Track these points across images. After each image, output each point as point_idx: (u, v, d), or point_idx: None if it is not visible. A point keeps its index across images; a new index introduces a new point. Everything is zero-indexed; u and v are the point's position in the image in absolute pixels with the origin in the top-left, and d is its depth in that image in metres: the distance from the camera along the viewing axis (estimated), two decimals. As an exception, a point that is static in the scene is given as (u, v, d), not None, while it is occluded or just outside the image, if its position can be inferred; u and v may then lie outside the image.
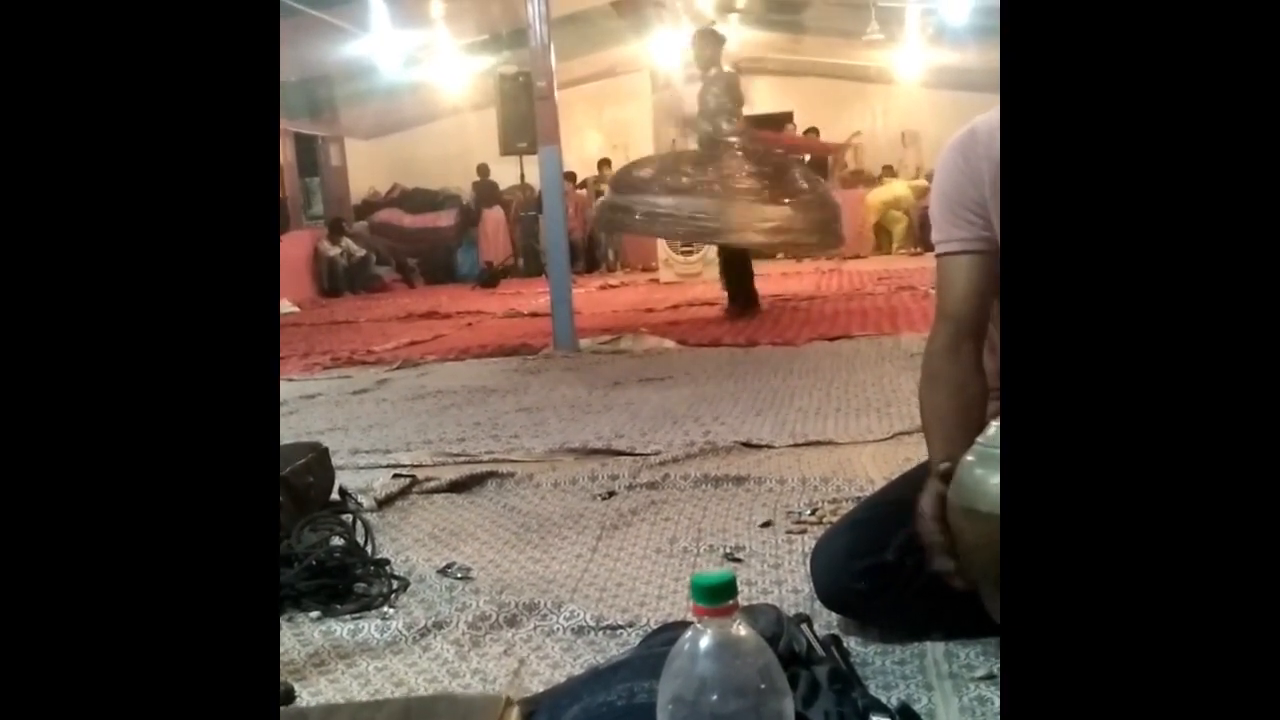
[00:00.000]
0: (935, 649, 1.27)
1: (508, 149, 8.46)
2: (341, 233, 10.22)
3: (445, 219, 11.22)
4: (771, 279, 8.11)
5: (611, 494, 2.17)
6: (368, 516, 2.00)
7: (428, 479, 2.35)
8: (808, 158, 11.03)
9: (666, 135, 10.75)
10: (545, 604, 1.50)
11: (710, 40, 5.61)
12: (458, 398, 3.59)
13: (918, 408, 1.36)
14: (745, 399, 3.22)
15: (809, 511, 1.92)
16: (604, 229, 6.33)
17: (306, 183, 11.32)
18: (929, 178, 10.67)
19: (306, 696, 1.27)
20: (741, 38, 11.21)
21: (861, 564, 1.30)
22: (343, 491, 2.15)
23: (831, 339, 4.49)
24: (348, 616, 1.52)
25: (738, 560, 1.70)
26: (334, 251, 10.03)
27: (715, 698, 0.69)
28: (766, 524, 1.87)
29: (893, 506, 1.31)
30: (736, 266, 5.77)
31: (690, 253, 8.35)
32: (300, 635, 1.46)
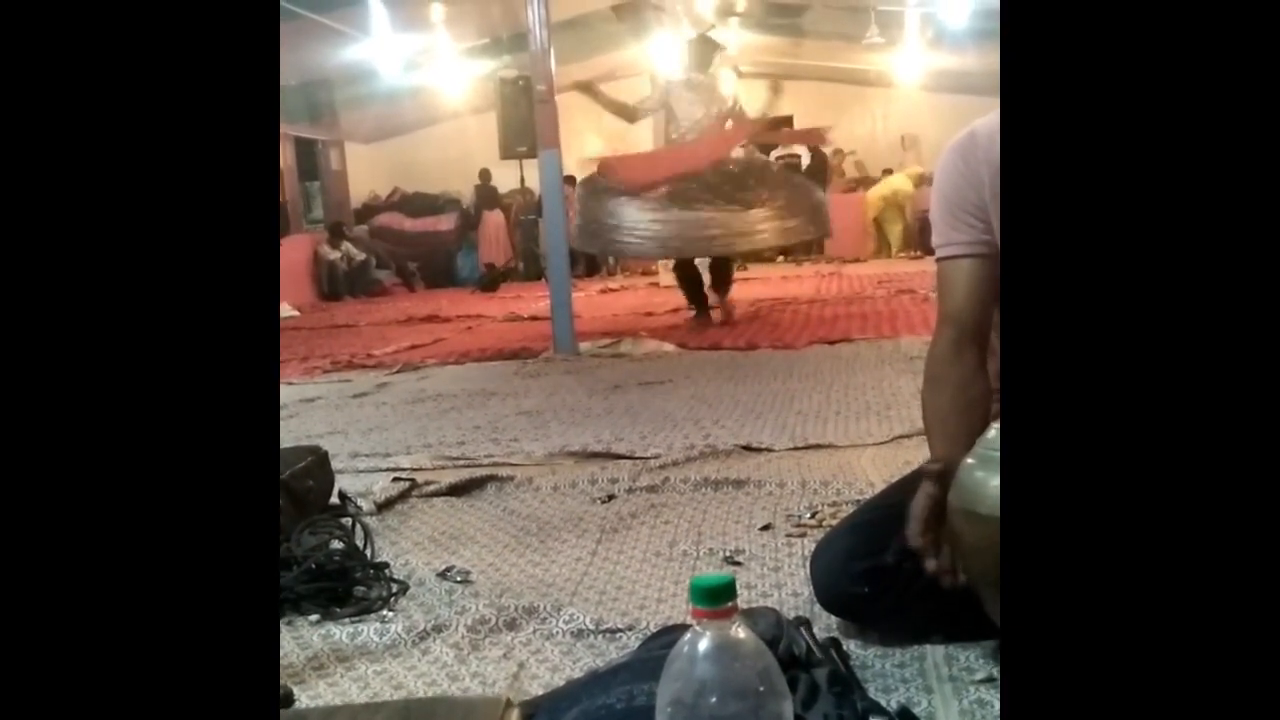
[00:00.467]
0: (935, 652, 1.26)
1: (508, 153, 8.48)
2: (342, 236, 10.22)
3: (445, 223, 11.23)
4: (771, 282, 8.12)
5: (611, 497, 2.17)
6: (367, 520, 2.00)
7: (427, 482, 2.35)
8: (801, 153, 11.07)
9: (663, 138, 10.75)
10: (545, 607, 1.49)
11: (705, 46, 5.59)
12: (457, 401, 3.59)
13: (918, 411, 1.37)
14: (745, 402, 3.22)
15: (809, 515, 1.92)
16: (586, 248, 6.24)
17: (306, 186, 11.32)
18: (928, 179, 10.68)
19: (305, 700, 1.27)
20: (741, 42, 11.24)
21: (861, 567, 1.30)
22: (342, 495, 2.15)
23: (831, 342, 4.49)
24: (347, 620, 1.52)
25: (737, 563, 1.70)
26: (334, 255, 10.03)
27: (714, 700, 0.69)
28: (766, 527, 1.87)
29: (892, 509, 1.30)
30: (690, 275, 5.71)
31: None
32: (299, 638, 1.46)
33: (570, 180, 6.16)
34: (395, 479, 2.37)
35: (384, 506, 2.17)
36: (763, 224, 5.24)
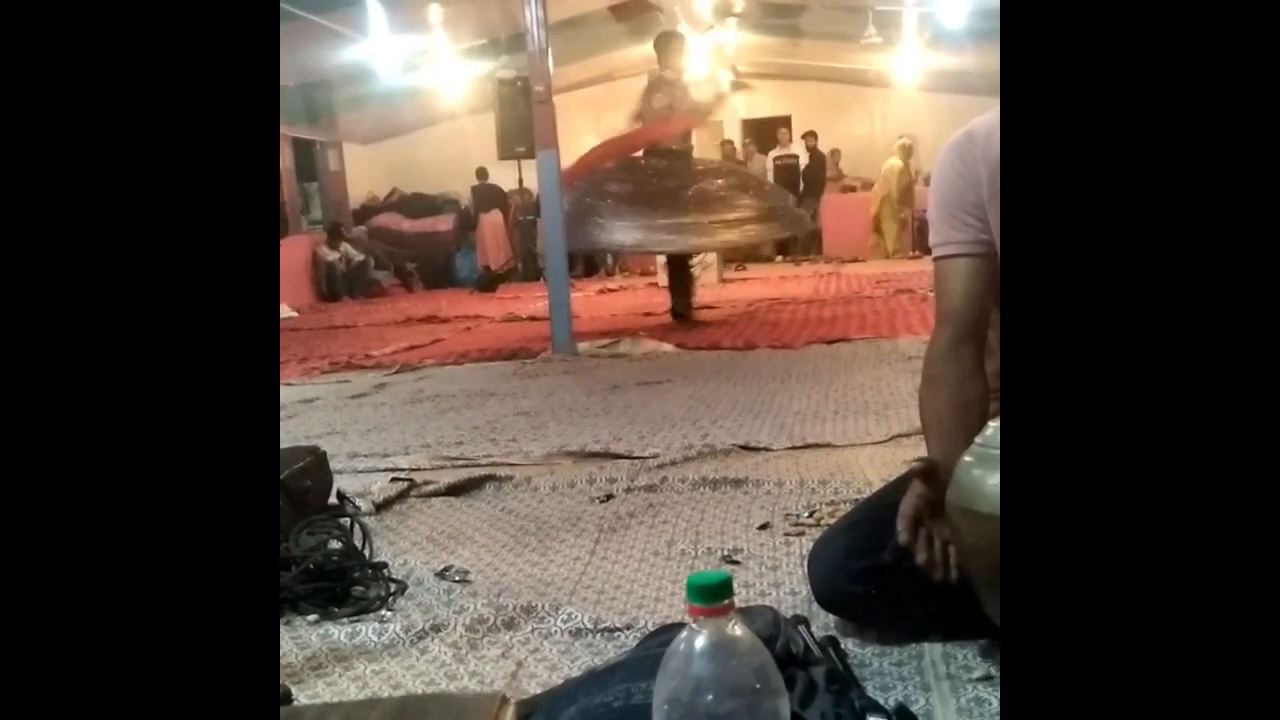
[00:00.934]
0: (933, 650, 1.27)
1: (506, 153, 8.46)
2: (340, 237, 10.22)
3: (444, 223, 11.22)
4: (770, 282, 8.13)
5: (609, 497, 2.17)
6: (366, 520, 2.00)
7: (426, 482, 2.35)
8: (799, 154, 11.05)
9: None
10: (543, 607, 1.50)
11: (672, 42, 5.59)
12: (456, 401, 3.59)
13: (916, 410, 1.37)
14: (743, 402, 3.22)
15: (807, 514, 1.92)
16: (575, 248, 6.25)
17: (305, 187, 11.32)
18: (927, 180, 10.66)
19: (304, 700, 1.27)
20: (739, 42, 11.24)
21: (859, 565, 1.30)
22: (341, 495, 2.15)
23: (830, 342, 4.49)
24: (345, 620, 1.52)
25: (736, 562, 1.70)
26: (332, 256, 10.03)
27: (710, 697, 0.69)
28: (764, 526, 1.88)
29: (890, 509, 1.31)
30: (681, 276, 5.73)
31: (689, 256, 8.33)
32: (298, 638, 1.46)
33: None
34: (394, 479, 2.37)
35: (382, 506, 2.17)
36: (726, 225, 5.26)
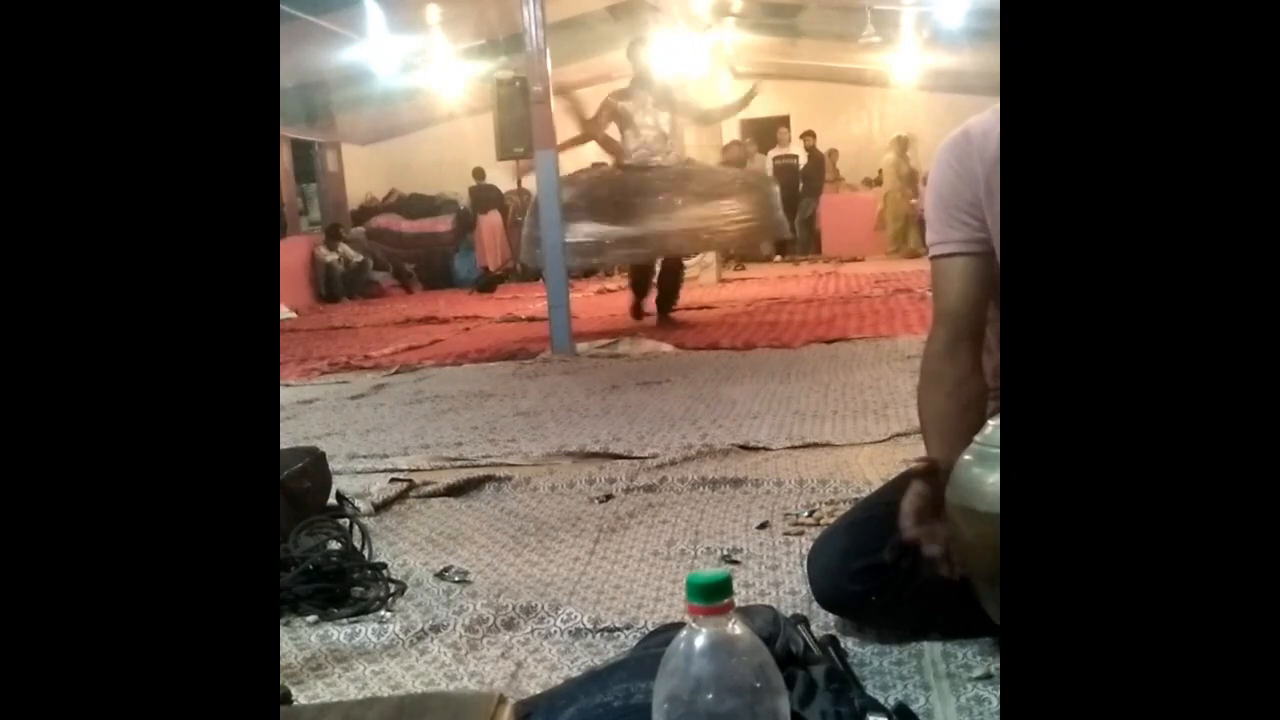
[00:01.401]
0: (933, 649, 1.27)
1: (504, 154, 8.46)
2: (339, 238, 10.22)
3: (442, 224, 11.22)
4: (768, 282, 8.13)
5: (609, 497, 2.17)
6: (365, 521, 2.00)
7: (425, 483, 2.35)
8: (798, 154, 11.04)
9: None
10: (542, 607, 1.50)
11: (646, 48, 5.58)
12: (455, 402, 3.59)
13: (915, 410, 1.37)
14: (742, 401, 3.22)
15: (806, 513, 1.92)
16: (533, 262, 6.19)
17: (304, 188, 11.32)
18: (925, 181, 10.61)
19: (303, 700, 1.27)
20: (738, 42, 11.24)
21: (858, 565, 1.30)
22: (340, 496, 2.15)
23: (829, 341, 4.49)
24: (345, 620, 1.52)
25: (735, 562, 1.70)
26: (331, 257, 10.03)
27: (710, 696, 0.69)
28: (764, 526, 1.88)
29: (889, 508, 1.31)
30: (647, 277, 5.68)
31: (687, 256, 8.34)
32: (297, 639, 1.46)
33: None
34: (393, 480, 2.37)
35: (382, 507, 2.17)
36: (704, 227, 5.27)
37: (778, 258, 11.00)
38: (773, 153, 11.38)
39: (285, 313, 8.13)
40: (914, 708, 1.13)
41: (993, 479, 1.03)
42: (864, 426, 2.74)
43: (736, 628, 0.71)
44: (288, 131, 9.97)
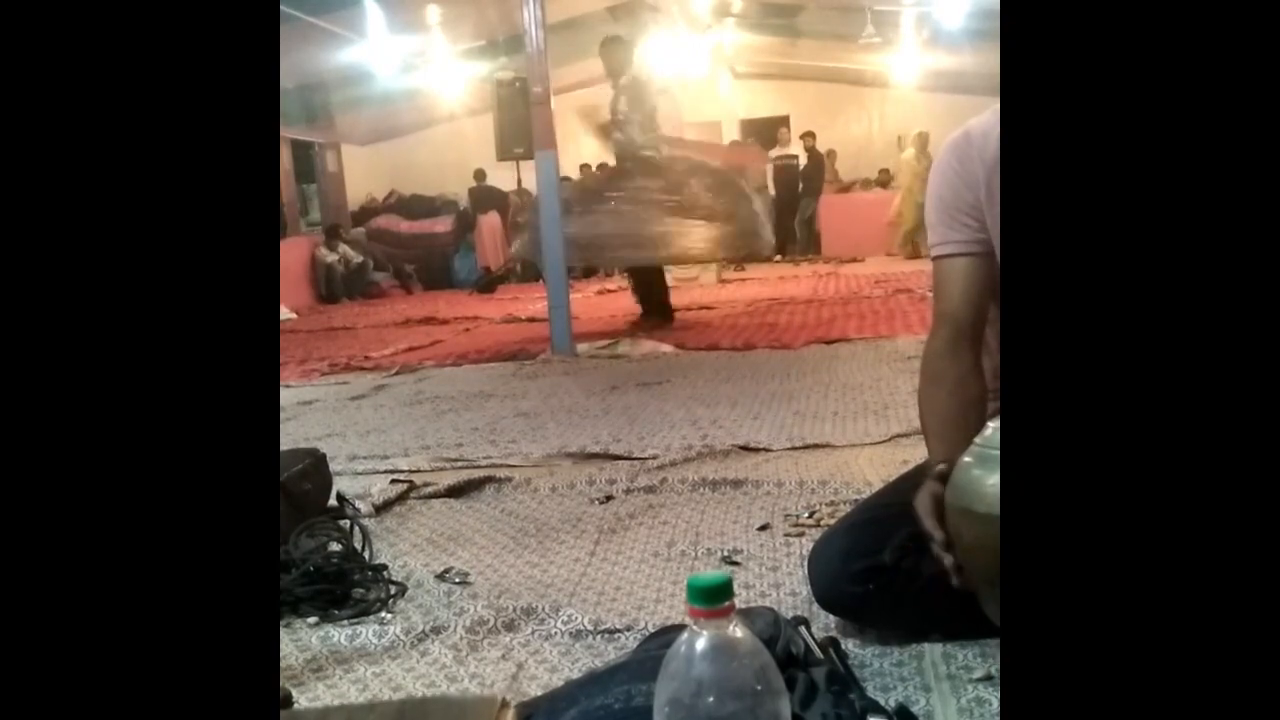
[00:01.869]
0: (933, 650, 1.27)
1: (505, 154, 8.47)
2: (339, 239, 10.22)
3: (442, 225, 11.22)
4: (769, 283, 8.13)
5: (609, 498, 2.17)
6: (365, 522, 2.00)
7: (425, 484, 2.35)
8: (798, 154, 11.05)
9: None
10: (543, 608, 1.50)
11: (618, 48, 5.57)
12: (455, 403, 3.59)
13: (915, 410, 1.37)
14: (743, 402, 3.22)
15: (807, 514, 1.92)
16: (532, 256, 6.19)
17: (304, 189, 11.33)
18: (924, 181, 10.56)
19: (304, 702, 1.27)
20: (738, 42, 11.25)
21: (859, 566, 1.30)
22: (340, 497, 2.15)
23: (829, 342, 4.49)
24: (345, 622, 1.52)
25: (735, 563, 1.70)
26: (331, 258, 10.03)
27: (711, 699, 0.69)
28: (764, 527, 1.88)
29: (890, 509, 1.31)
30: (646, 280, 5.68)
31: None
32: (298, 641, 1.46)
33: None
34: (393, 481, 2.37)
35: (382, 508, 2.17)
36: (699, 234, 5.25)
37: (777, 258, 11.00)
38: (773, 153, 11.39)
39: (285, 313, 8.14)
40: (915, 709, 1.13)
41: (992, 481, 1.03)
42: (864, 427, 2.74)
43: (737, 630, 0.71)
44: (288, 132, 9.97)
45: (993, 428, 1.09)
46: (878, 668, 1.25)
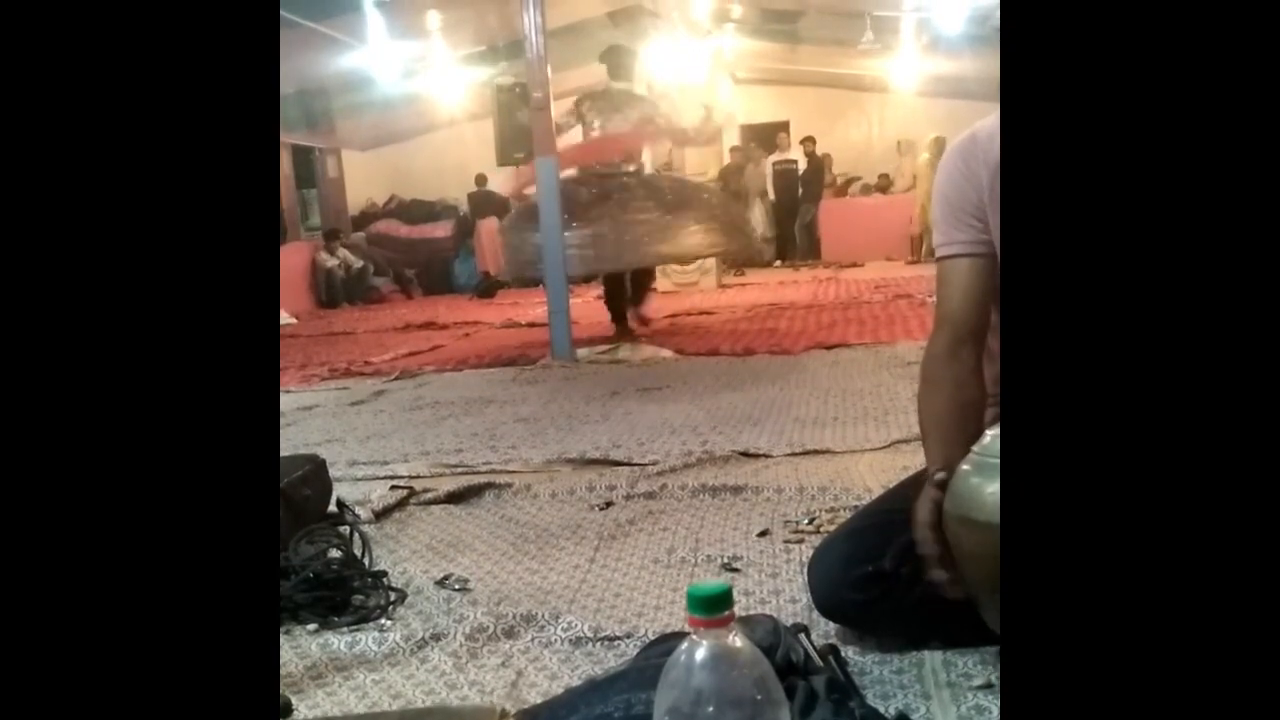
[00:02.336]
0: (933, 658, 1.26)
1: (505, 160, 8.46)
2: (339, 244, 10.23)
3: (442, 230, 11.23)
4: (768, 288, 8.13)
5: (609, 504, 2.17)
6: (365, 528, 2.00)
7: (425, 490, 2.35)
8: (798, 159, 11.04)
9: (660, 146, 10.75)
10: (543, 615, 1.49)
11: (621, 56, 5.58)
12: (455, 408, 3.59)
13: (915, 416, 1.36)
14: (742, 408, 3.22)
15: (807, 521, 1.92)
16: (515, 275, 6.15)
17: (304, 194, 11.33)
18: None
19: (304, 710, 1.27)
20: (738, 47, 11.26)
21: (858, 572, 1.30)
22: (340, 503, 2.15)
23: (829, 347, 4.49)
24: (345, 629, 1.52)
25: (735, 570, 1.70)
26: (331, 263, 10.03)
27: (711, 709, 0.69)
28: (764, 533, 1.87)
29: (889, 515, 1.31)
30: (611, 289, 5.65)
31: (687, 262, 8.36)
32: (297, 648, 1.46)
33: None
34: (393, 487, 2.36)
35: (382, 515, 2.17)
36: (676, 236, 5.23)
37: (777, 263, 11.01)
38: (772, 158, 11.41)
39: (285, 318, 8.14)
40: (914, 717, 1.13)
41: (991, 489, 1.03)
42: (864, 433, 2.74)
43: (737, 639, 0.71)
44: (288, 137, 9.98)
45: (991, 435, 1.09)
46: (878, 675, 1.24)
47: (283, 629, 1.52)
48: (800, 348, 4.55)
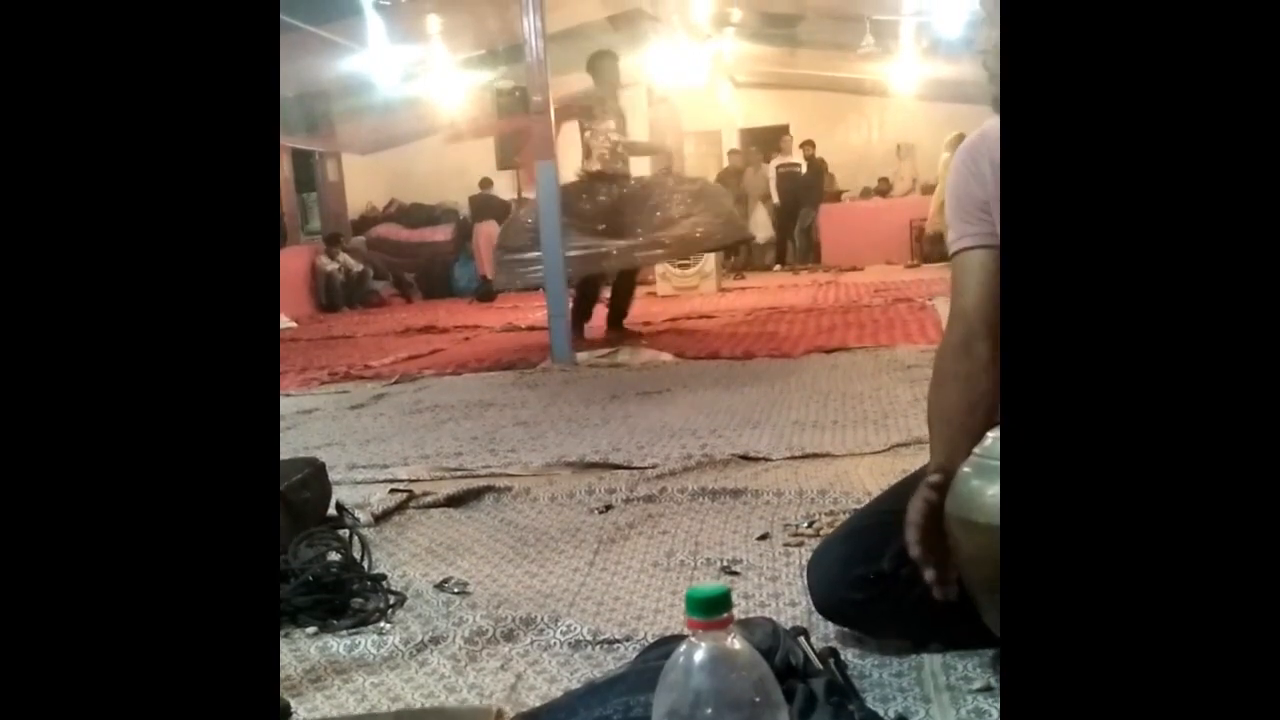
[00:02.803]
0: (933, 661, 1.26)
1: (504, 163, 8.49)
2: (339, 248, 10.23)
3: (442, 233, 11.23)
4: (768, 292, 8.14)
5: (609, 508, 2.17)
6: (364, 532, 2.00)
7: (425, 494, 2.35)
8: (799, 162, 11.06)
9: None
10: (542, 618, 1.49)
11: (607, 62, 5.60)
12: (455, 412, 3.59)
13: (915, 420, 1.37)
14: (742, 411, 3.22)
15: (806, 524, 1.92)
16: (506, 286, 6.19)
17: (304, 198, 11.34)
18: (924, 190, 10.57)
19: (303, 713, 1.27)
20: (737, 51, 11.28)
21: (857, 573, 1.30)
22: (339, 507, 2.15)
23: (828, 351, 4.49)
24: (344, 632, 1.52)
25: (735, 573, 1.70)
26: (331, 266, 10.04)
27: (710, 711, 0.69)
28: (764, 537, 1.87)
29: (888, 516, 1.30)
30: (581, 292, 5.66)
31: (687, 266, 8.37)
32: (297, 651, 1.46)
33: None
34: (392, 490, 2.36)
35: (381, 518, 2.17)
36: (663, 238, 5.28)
37: (777, 266, 11.02)
38: (776, 161, 11.42)
39: (285, 322, 8.14)
40: (914, 720, 1.13)
41: (992, 491, 1.03)
42: (863, 437, 2.73)
43: (736, 642, 0.71)
44: (288, 141, 9.99)
45: (992, 438, 1.09)
46: (877, 678, 1.24)
47: (282, 632, 1.51)
48: (800, 351, 4.55)
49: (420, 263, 11.06)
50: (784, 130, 11.99)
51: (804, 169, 11.34)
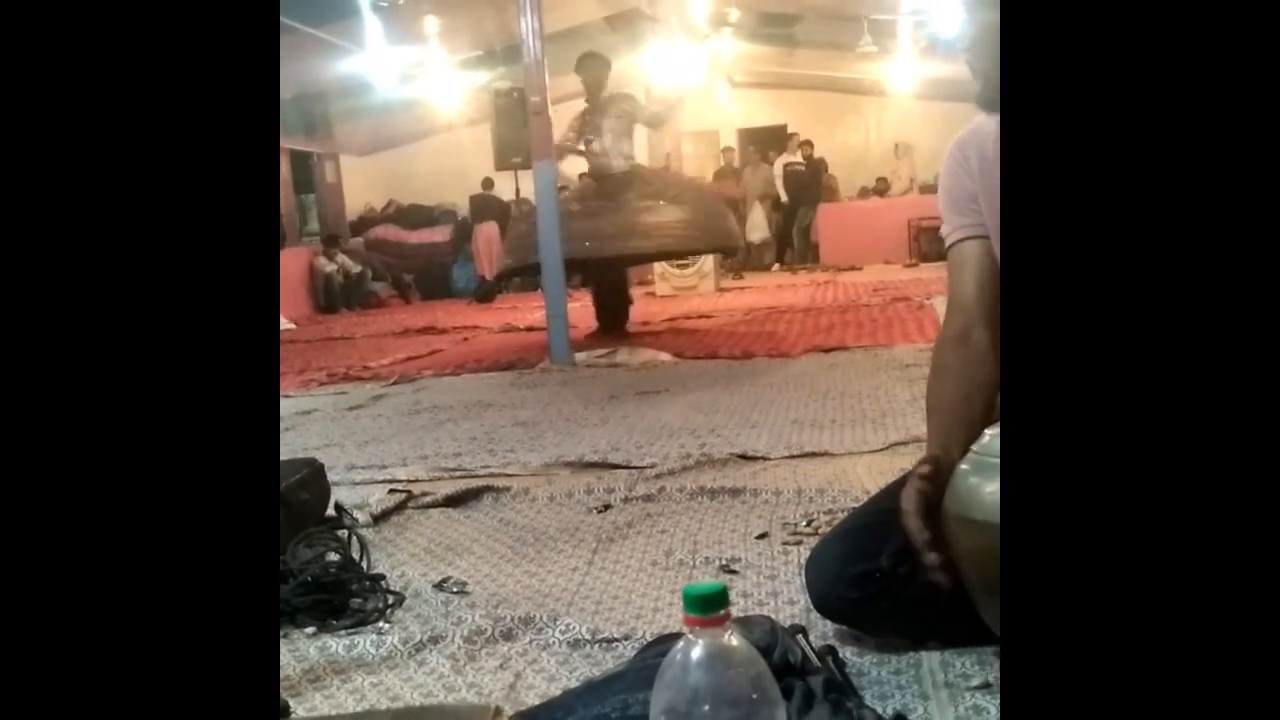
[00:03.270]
0: (931, 658, 1.27)
1: (503, 164, 8.48)
2: (337, 249, 10.23)
3: (441, 234, 11.23)
4: (767, 291, 8.14)
5: (607, 507, 2.17)
6: (363, 532, 2.00)
7: (423, 494, 2.35)
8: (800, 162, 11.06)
9: (660, 150, 10.75)
10: (541, 618, 1.50)
11: (596, 64, 5.60)
12: (454, 412, 3.59)
13: (913, 419, 1.37)
14: (740, 411, 3.22)
15: (805, 523, 1.92)
16: (519, 262, 6.25)
17: (302, 199, 11.34)
18: (922, 190, 10.59)
19: (302, 713, 1.27)
20: (735, 51, 11.28)
21: (855, 571, 1.30)
22: (338, 507, 2.15)
23: (827, 350, 4.50)
24: (343, 632, 1.52)
25: (734, 572, 1.70)
26: (330, 268, 10.04)
27: (707, 708, 0.69)
28: (762, 535, 1.88)
29: (886, 514, 1.30)
30: (606, 292, 5.72)
31: (685, 266, 8.37)
32: (295, 651, 1.46)
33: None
34: (391, 490, 2.37)
35: (380, 518, 2.17)
36: (658, 228, 5.29)
37: (775, 266, 11.03)
38: (781, 159, 11.43)
39: (284, 323, 8.14)
40: (912, 718, 1.13)
41: (991, 488, 1.03)
42: (862, 435, 2.74)
43: (733, 639, 0.72)
44: (287, 143, 9.99)
45: (990, 435, 1.10)
46: (875, 676, 1.25)
47: (281, 632, 1.52)
48: (798, 351, 4.56)
49: (418, 264, 11.06)
50: (781, 130, 12.01)
51: (803, 168, 11.35)
